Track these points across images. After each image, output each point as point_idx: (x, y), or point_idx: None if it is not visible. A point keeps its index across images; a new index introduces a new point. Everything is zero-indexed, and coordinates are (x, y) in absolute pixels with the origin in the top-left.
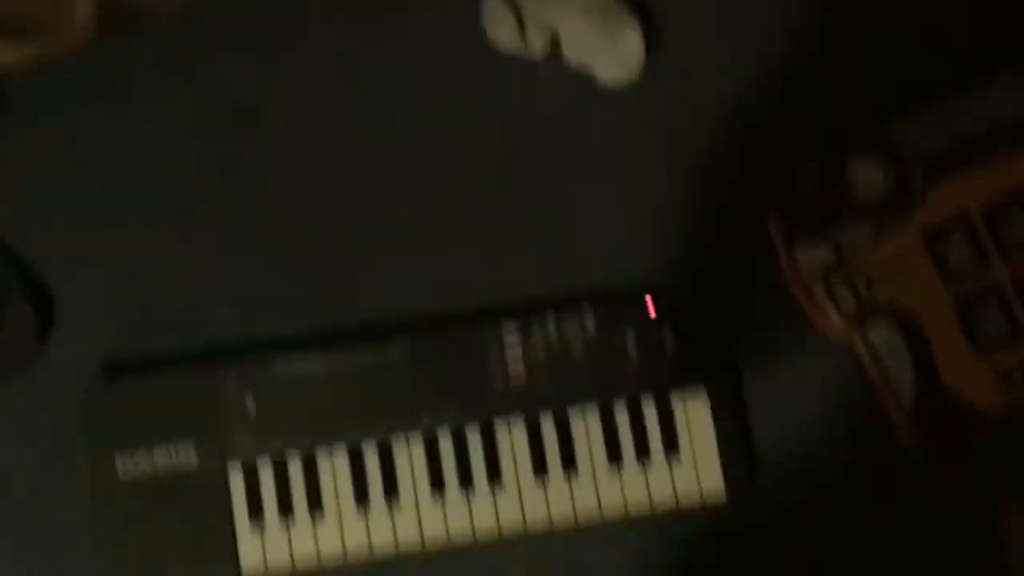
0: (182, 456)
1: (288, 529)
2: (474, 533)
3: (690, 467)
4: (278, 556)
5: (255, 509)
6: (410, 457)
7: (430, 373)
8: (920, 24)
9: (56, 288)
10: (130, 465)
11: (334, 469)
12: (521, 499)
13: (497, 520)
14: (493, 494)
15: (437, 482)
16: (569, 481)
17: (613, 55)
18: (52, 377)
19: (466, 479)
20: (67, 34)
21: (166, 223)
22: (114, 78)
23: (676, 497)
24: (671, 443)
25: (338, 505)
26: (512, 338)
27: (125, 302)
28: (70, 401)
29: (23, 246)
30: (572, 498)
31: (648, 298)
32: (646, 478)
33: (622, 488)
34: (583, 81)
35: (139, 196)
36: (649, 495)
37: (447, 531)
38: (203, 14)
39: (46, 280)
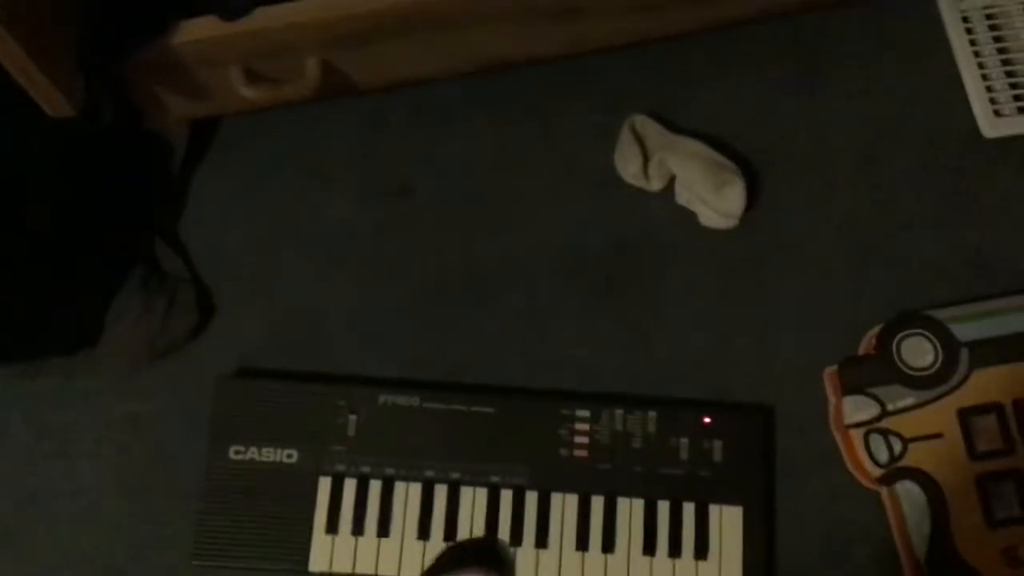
0: (285, 456)
1: (356, 540)
2: None
3: (714, 574)
4: (343, 561)
5: (333, 516)
6: (473, 505)
7: (507, 432)
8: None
9: (219, 296)
10: (241, 453)
11: (407, 500)
12: (560, 564)
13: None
14: (537, 555)
15: (491, 533)
16: (605, 560)
17: (717, 204)
18: (197, 366)
19: (517, 537)
20: (295, 89)
21: (319, 266)
22: (308, 143)
23: None
24: (702, 549)
25: (403, 532)
26: (583, 420)
27: (269, 320)
28: (206, 389)
29: (203, 254)
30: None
31: (706, 416)
32: (673, 573)
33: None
34: (688, 219)
35: (304, 240)
36: None
37: None
38: (383, 104)
39: (213, 286)
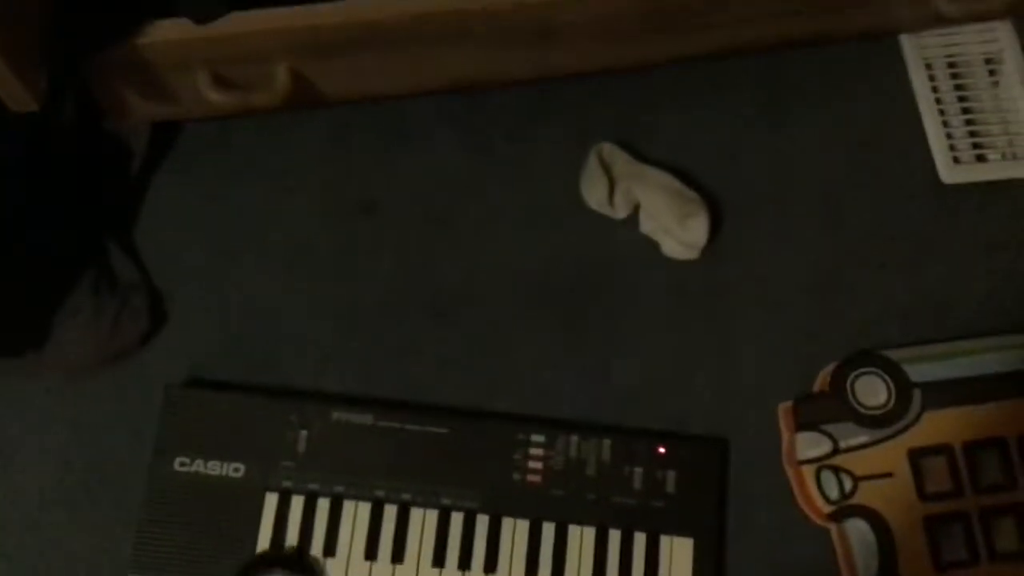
0: (232, 470)
1: None
2: None
3: None
4: None
5: (279, 533)
6: (422, 527)
7: (460, 454)
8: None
9: (171, 304)
10: (186, 465)
11: (355, 519)
12: None
13: None
14: None
15: (439, 557)
16: None
17: (681, 235)
18: (146, 374)
19: (465, 561)
20: (264, 97)
21: (277, 278)
22: (272, 154)
23: None
24: None
25: (350, 552)
26: (538, 445)
27: (222, 331)
28: (154, 398)
29: (158, 260)
30: None
31: (661, 446)
32: None
33: None
34: (651, 248)
35: (263, 252)
36: None
37: None
38: (351, 119)
39: (166, 293)
